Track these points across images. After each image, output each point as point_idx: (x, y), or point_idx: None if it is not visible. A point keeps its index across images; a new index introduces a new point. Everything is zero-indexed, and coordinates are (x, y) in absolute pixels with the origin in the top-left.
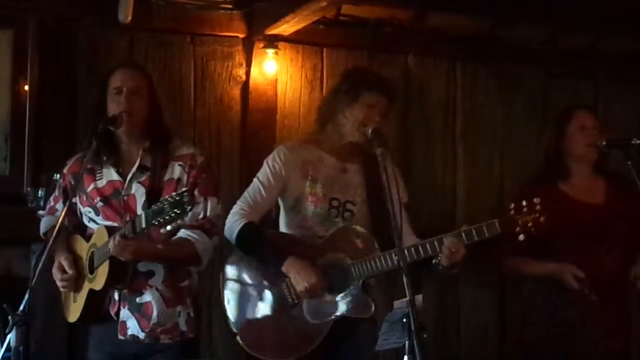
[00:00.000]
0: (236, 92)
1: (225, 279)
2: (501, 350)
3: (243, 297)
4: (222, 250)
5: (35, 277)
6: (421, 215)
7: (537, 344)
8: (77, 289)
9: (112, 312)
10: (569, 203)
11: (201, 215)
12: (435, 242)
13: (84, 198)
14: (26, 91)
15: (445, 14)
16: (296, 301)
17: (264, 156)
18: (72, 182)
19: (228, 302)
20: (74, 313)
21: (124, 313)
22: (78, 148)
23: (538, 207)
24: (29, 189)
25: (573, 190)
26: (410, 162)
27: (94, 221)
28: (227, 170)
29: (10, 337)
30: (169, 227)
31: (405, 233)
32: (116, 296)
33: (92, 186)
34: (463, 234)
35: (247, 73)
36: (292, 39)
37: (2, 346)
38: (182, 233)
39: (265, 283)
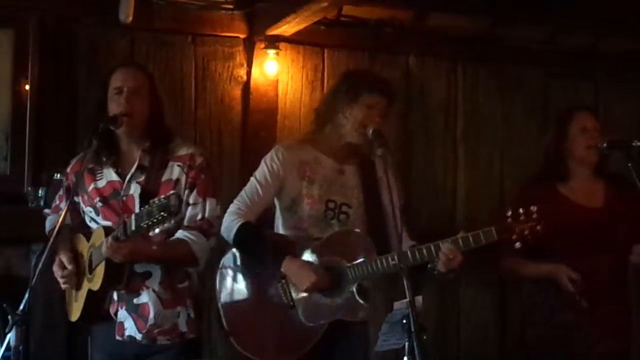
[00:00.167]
0: (237, 92)
1: (219, 279)
2: (501, 350)
3: (238, 298)
4: (224, 250)
5: (36, 277)
6: (421, 215)
7: (537, 344)
8: (78, 287)
9: (112, 312)
10: (568, 206)
11: (199, 217)
12: (432, 248)
13: (85, 198)
14: (27, 91)
15: (446, 14)
16: (291, 303)
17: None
18: (74, 181)
19: (222, 303)
20: (75, 312)
21: (122, 314)
22: (78, 148)
23: (535, 215)
24: (29, 188)
25: (572, 193)
26: (410, 163)
27: (94, 221)
28: (227, 171)
29: (10, 337)
30: (157, 230)
31: (396, 236)
32: (115, 296)
33: (92, 186)
34: (460, 240)
35: (248, 73)
36: (293, 40)
37: (1, 345)
38: (179, 234)
39: (260, 284)
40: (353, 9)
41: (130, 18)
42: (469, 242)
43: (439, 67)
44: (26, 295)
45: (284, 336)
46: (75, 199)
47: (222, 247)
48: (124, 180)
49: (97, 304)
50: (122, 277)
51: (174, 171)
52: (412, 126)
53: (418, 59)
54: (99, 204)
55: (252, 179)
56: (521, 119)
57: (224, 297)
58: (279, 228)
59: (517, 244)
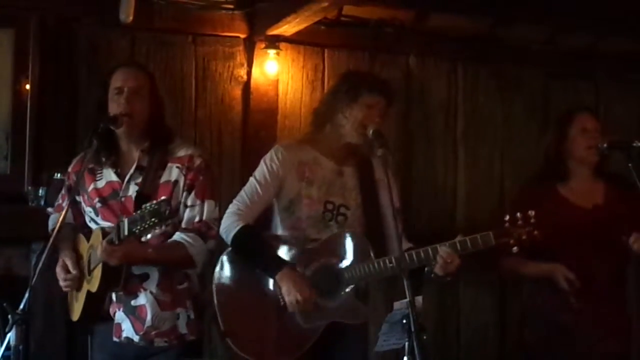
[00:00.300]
0: (237, 92)
1: (216, 280)
2: (501, 351)
3: (235, 298)
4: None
5: (36, 276)
6: (421, 215)
7: (537, 345)
8: (78, 288)
9: (111, 313)
10: (567, 207)
11: (197, 219)
12: (430, 251)
13: (86, 197)
14: (27, 90)
15: (446, 14)
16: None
17: None
18: (75, 181)
19: (219, 303)
20: (76, 312)
21: (119, 315)
22: (79, 147)
23: (532, 220)
24: (29, 188)
25: (572, 194)
26: (411, 163)
27: (94, 221)
28: (228, 171)
29: (10, 336)
30: (149, 235)
31: (397, 238)
32: (113, 297)
33: (92, 186)
34: (458, 244)
35: (249, 73)
36: (294, 40)
37: (2, 345)
38: (177, 236)
39: (258, 285)
40: (353, 9)
41: (131, 18)
42: (467, 246)
43: (439, 67)
44: (26, 295)
45: (282, 337)
46: (77, 198)
47: (221, 249)
48: (123, 181)
49: (96, 305)
50: (119, 279)
51: (173, 172)
52: (412, 126)
53: (418, 59)
54: (98, 205)
55: (251, 178)
56: (521, 119)
57: (220, 297)
58: (276, 228)
59: (515, 249)
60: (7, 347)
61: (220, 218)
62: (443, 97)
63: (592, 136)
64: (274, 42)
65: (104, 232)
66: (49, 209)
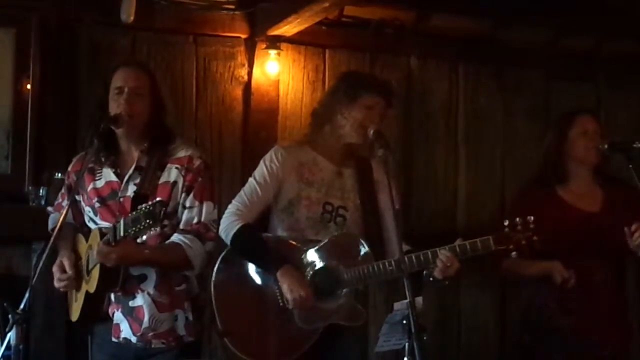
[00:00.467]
0: (238, 92)
1: (214, 280)
2: (501, 351)
3: (233, 298)
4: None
5: (36, 276)
6: (422, 216)
7: (535, 348)
8: (77, 287)
9: (110, 313)
10: (567, 210)
11: (195, 220)
12: (430, 255)
13: (85, 197)
14: (28, 90)
15: (448, 15)
16: (287, 305)
17: None
18: (76, 180)
19: (217, 303)
20: (75, 313)
21: (117, 316)
22: (79, 147)
23: (532, 225)
24: (30, 187)
25: (572, 196)
26: (411, 164)
27: (93, 221)
28: (228, 171)
29: (11, 336)
30: (144, 237)
31: (395, 240)
32: (112, 298)
33: (91, 186)
34: (457, 248)
35: (249, 73)
36: (295, 40)
37: (2, 344)
38: (174, 237)
39: (256, 286)
40: (354, 9)
41: (132, 18)
42: (466, 250)
43: (440, 68)
44: (27, 295)
45: (280, 338)
46: (77, 197)
47: (220, 249)
48: (122, 181)
49: (94, 305)
50: (117, 279)
51: (172, 173)
52: (413, 127)
53: (419, 60)
54: (97, 205)
55: (250, 179)
56: (522, 121)
57: (219, 297)
58: (274, 229)
59: (514, 254)
60: (8, 347)
61: (220, 219)
62: (444, 98)
63: (593, 138)
64: (275, 42)
65: (102, 233)
66: (49, 208)
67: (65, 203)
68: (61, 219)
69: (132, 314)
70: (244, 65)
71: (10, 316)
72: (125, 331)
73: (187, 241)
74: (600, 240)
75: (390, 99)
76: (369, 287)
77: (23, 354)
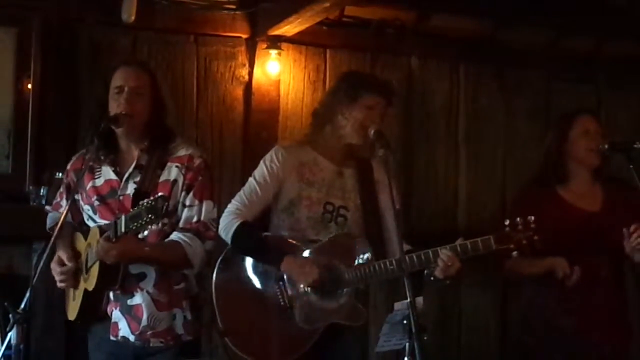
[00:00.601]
0: (239, 92)
1: (215, 279)
2: (502, 351)
3: (234, 298)
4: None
5: (37, 276)
6: (423, 216)
7: (536, 349)
8: (76, 286)
9: (109, 312)
10: (567, 209)
11: (195, 219)
12: (431, 254)
13: (84, 196)
14: (29, 89)
15: (448, 16)
16: (288, 305)
17: None
18: (75, 179)
19: (218, 303)
20: (72, 311)
21: (116, 314)
22: (80, 147)
23: (533, 225)
24: (31, 187)
25: (572, 196)
26: (412, 164)
27: (92, 219)
28: (229, 171)
29: (11, 335)
30: (145, 232)
31: (396, 240)
32: (111, 296)
33: (90, 184)
34: (459, 248)
35: (250, 73)
36: (295, 40)
37: (2, 344)
38: (174, 235)
39: (257, 285)
40: (355, 9)
41: (133, 17)
42: (467, 250)
43: (441, 68)
44: (27, 294)
45: (280, 338)
46: (76, 196)
47: (220, 249)
48: (121, 180)
49: (93, 304)
50: (116, 277)
51: (172, 172)
52: (413, 127)
53: (420, 60)
54: (97, 203)
55: (250, 179)
56: (523, 121)
57: (220, 297)
58: (275, 229)
59: (515, 253)
60: (8, 346)
61: (219, 218)
62: (445, 98)
63: (594, 138)
64: (276, 42)
65: (102, 230)
66: (47, 207)
67: (63, 202)
68: (62, 218)
69: (130, 313)
70: (244, 65)
71: (10, 316)
72: (124, 330)
73: (186, 239)
74: (600, 239)
75: (390, 98)
76: (370, 287)
77: (23, 354)
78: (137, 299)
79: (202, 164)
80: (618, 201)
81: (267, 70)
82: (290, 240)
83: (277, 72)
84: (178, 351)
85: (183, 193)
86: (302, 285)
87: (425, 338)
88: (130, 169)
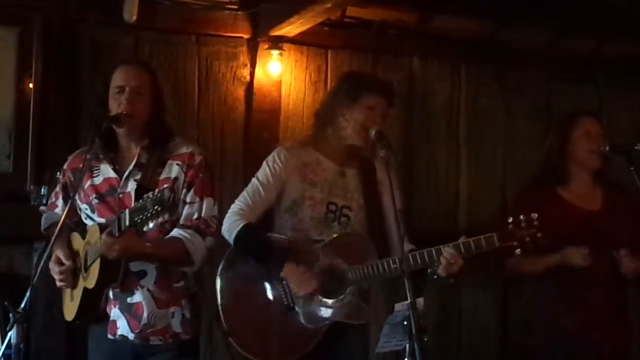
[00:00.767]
0: (240, 92)
1: (219, 279)
2: (502, 352)
3: (238, 297)
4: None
5: (37, 275)
6: (423, 216)
7: (538, 350)
8: (74, 286)
9: (108, 311)
10: (568, 209)
11: (195, 216)
12: (434, 252)
13: (82, 194)
14: (30, 89)
15: (450, 16)
16: (292, 304)
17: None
18: (72, 178)
19: (222, 302)
20: (70, 312)
21: (115, 312)
22: (81, 146)
23: (536, 222)
24: (32, 186)
25: (572, 196)
26: (413, 164)
27: (90, 218)
28: (230, 171)
29: (11, 335)
30: (151, 225)
31: (399, 239)
32: (110, 295)
33: (89, 183)
34: (461, 245)
35: (252, 74)
36: (297, 40)
37: (2, 343)
38: (175, 232)
39: (261, 285)
40: (357, 10)
41: (135, 17)
42: (471, 248)
43: (442, 69)
44: (27, 294)
45: (284, 337)
46: (71, 195)
47: (222, 248)
48: (121, 178)
49: (93, 302)
50: (117, 275)
51: (173, 170)
52: (414, 128)
53: (421, 60)
54: (95, 201)
55: (253, 179)
56: (524, 121)
57: (223, 297)
58: (278, 230)
59: (518, 251)
60: (8, 346)
61: (221, 217)
62: (446, 98)
63: (595, 140)
64: (277, 42)
65: (102, 227)
66: (42, 208)
67: (59, 202)
68: (62, 217)
69: (130, 311)
70: (246, 65)
71: (11, 315)
72: (123, 328)
73: (187, 235)
74: (600, 239)
75: (391, 98)
76: (372, 286)
77: (23, 353)
78: (137, 297)
79: (202, 161)
80: (618, 203)
81: (268, 71)
82: (294, 242)
83: (279, 73)
84: (177, 352)
85: (184, 190)
86: (300, 294)
87: (425, 339)
88: (131, 167)
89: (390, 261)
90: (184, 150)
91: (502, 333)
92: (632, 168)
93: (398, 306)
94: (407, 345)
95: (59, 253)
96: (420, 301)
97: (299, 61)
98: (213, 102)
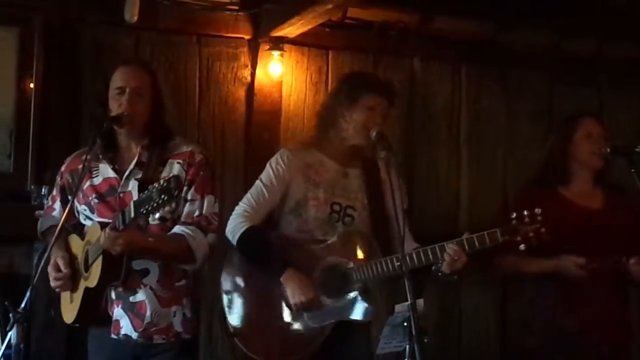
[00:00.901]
0: (241, 93)
1: (224, 280)
2: (502, 352)
3: (242, 298)
4: (226, 251)
5: (37, 275)
6: (424, 218)
7: (538, 353)
8: (73, 288)
9: (110, 312)
10: (570, 207)
11: (197, 213)
12: (437, 249)
13: (80, 196)
14: (31, 89)
15: (451, 18)
16: (292, 309)
17: (268, 158)
18: (70, 180)
19: (227, 303)
20: (70, 314)
21: (117, 312)
22: (82, 146)
23: (539, 217)
24: (32, 186)
25: (572, 195)
26: (414, 165)
27: (89, 219)
28: (231, 171)
29: (11, 335)
30: (157, 215)
31: (405, 239)
32: (113, 295)
33: (88, 184)
34: (465, 242)
35: (252, 74)
36: (298, 41)
37: (2, 343)
38: (177, 229)
39: (265, 285)
40: (358, 11)
41: (135, 18)
42: (474, 244)
43: (443, 70)
44: (28, 293)
45: (289, 337)
46: (69, 198)
47: (224, 248)
48: (121, 177)
49: (94, 302)
50: (119, 272)
51: (174, 168)
52: (415, 129)
53: (422, 62)
54: (95, 201)
55: (257, 182)
56: (525, 123)
57: (228, 298)
58: (282, 231)
59: (522, 246)
60: (8, 346)
61: (221, 217)
62: (447, 100)
63: (597, 141)
64: (278, 43)
65: (102, 226)
66: (38, 212)
67: (57, 205)
68: (63, 218)
69: (133, 310)
70: (247, 66)
71: (11, 315)
72: (126, 327)
73: (189, 232)
74: (602, 237)
75: (392, 98)
76: (375, 285)
77: (23, 353)
78: (140, 296)
79: (203, 159)
80: (619, 204)
81: (269, 72)
82: (298, 242)
83: (280, 74)
84: (178, 351)
85: (185, 188)
86: (293, 302)
87: (425, 340)
88: (131, 166)
89: (394, 259)
90: (185, 149)
91: (503, 334)
92: (633, 170)
93: (398, 307)
94: (407, 346)
95: (58, 259)
96: (420, 302)
97: (300, 62)
98: (214, 102)
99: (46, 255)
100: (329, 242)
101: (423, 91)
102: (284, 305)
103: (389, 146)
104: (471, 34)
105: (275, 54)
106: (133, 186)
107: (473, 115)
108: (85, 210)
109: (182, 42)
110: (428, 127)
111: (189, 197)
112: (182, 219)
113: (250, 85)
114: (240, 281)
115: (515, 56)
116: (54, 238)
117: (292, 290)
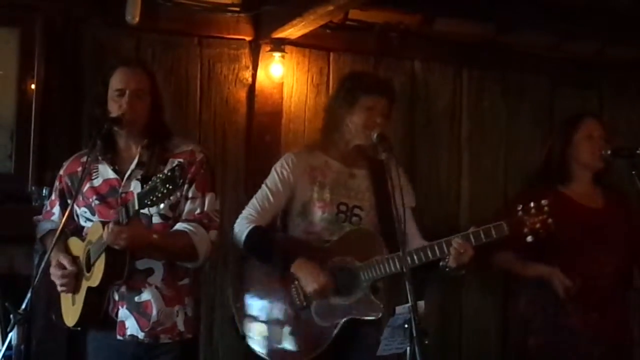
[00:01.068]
0: (242, 94)
1: (232, 282)
2: (503, 353)
3: (252, 300)
4: (227, 252)
5: (38, 276)
6: (425, 220)
7: (539, 352)
8: (75, 290)
9: (113, 314)
10: (571, 205)
11: (198, 210)
12: (444, 244)
13: (80, 198)
14: (32, 90)
15: (452, 20)
16: (305, 304)
17: (269, 159)
18: (69, 184)
19: (236, 304)
20: (72, 317)
21: (123, 312)
22: (83, 147)
23: (546, 208)
24: (33, 187)
25: (573, 194)
26: (415, 167)
27: (90, 221)
28: (232, 173)
29: (12, 336)
30: (162, 205)
31: (413, 236)
32: (116, 296)
33: (88, 185)
34: (471, 235)
35: (254, 76)
36: (299, 43)
37: (3, 344)
38: (179, 226)
39: (274, 285)
40: (359, 13)
41: (137, 19)
42: (480, 237)
43: (444, 72)
44: (28, 294)
45: (299, 337)
46: (69, 201)
47: (224, 248)
48: (122, 178)
49: (97, 302)
50: (122, 270)
51: None
52: (416, 130)
53: (423, 63)
54: (95, 202)
55: (263, 186)
56: (526, 125)
57: (238, 299)
58: (290, 234)
59: (529, 238)
60: (9, 347)
61: (222, 217)
62: (448, 101)
63: (598, 143)
64: (279, 45)
65: (104, 224)
66: (36, 217)
67: (56, 209)
68: (64, 219)
69: (139, 310)
70: (248, 67)
71: (11, 316)
72: (132, 327)
73: (192, 228)
74: (603, 236)
75: (391, 96)
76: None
77: (24, 354)
78: (146, 295)
79: (203, 158)
80: (619, 205)
81: (270, 73)
82: (305, 242)
83: (281, 75)
84: (179, 351)
85: (186, 186)
86: (308, 290)
87: (426, 342)
88: (133, 166)
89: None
90: (185, 148)
91: (503, 335)
92: (633, 172)
93: (399, 309)
94: (408, 348)
95: (62, 259)
96: (421, 304)
97: (301, 64)
98: (215, 103)
99: (46, 258)
100: (335, 241)
101: (424, 93)
102: (293, 305)
103: (390, 148)
104: (472, 35)
105: (277, 55)
106: (135, 186)
107: (474, 116)
108: (85, 212)
109: (184, 44)
110: (429, 129)
111: (190, 195)
112: (184, 217)
113: (251, 87)
114: (248, 283)
115: (516, 58)
116: (54, 240)
117: (305, 277)
